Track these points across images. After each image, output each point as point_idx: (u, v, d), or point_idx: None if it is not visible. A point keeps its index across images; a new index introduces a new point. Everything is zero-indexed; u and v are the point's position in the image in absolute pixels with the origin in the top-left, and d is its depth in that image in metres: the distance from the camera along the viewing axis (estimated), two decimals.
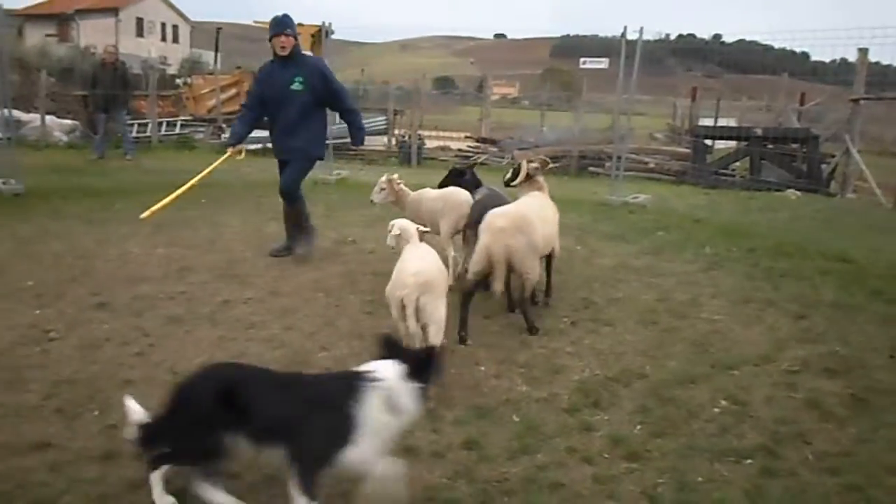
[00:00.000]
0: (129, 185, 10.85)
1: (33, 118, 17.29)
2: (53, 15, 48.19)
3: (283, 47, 6.66)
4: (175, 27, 56.24)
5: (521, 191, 6.07)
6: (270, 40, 6.72)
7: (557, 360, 4.79)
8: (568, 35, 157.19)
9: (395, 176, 6.85)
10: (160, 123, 18.82)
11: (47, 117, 17.33)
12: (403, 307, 4.19)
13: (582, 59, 12.62)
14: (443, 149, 18.38)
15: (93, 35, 43.06)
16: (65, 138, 17.26)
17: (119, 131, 15.55)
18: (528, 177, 6.05)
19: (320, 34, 16.46)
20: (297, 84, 6.71)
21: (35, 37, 44.98)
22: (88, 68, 18.88)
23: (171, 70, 38.40)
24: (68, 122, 18.20)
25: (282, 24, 6.70)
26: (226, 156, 6.89)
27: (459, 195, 6.43)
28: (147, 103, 19.09)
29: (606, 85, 19.49)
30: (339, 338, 5.09)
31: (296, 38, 6.80)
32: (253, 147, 16.92)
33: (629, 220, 9.84)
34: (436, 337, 4.18)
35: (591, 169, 16.02)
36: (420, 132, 17.70)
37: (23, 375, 4.30)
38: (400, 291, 4.22)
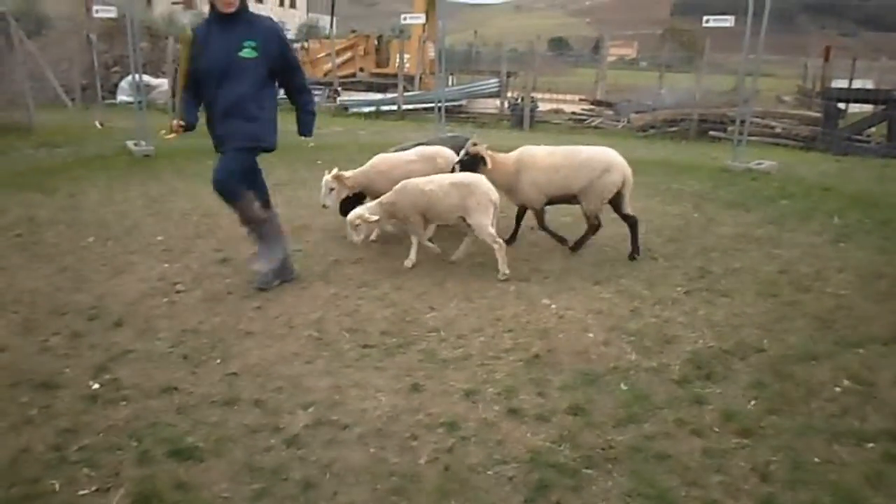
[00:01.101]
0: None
1: (161, 83, 18.22)
2: None
3: (227, 3, 4.85)
4: None
5: (486, 173, 6.03)
6: None
7: (669, 330, 4.67)
8: None
9: (342, 172, 6.28)
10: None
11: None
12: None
13: (705, 17, 11.98)
14: (556, 111, 18.06)
15: None
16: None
17: None
18: (492, 159, 6.14)
19: None
20: (247, 50, 4.91)
21: (162, 5, 47.18)
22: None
23: (289, 35, 39.44)
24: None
25: None
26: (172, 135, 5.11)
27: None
28: None
29: (731, 44, 18.49)
30: (447, 299, 5.16)
31: None
32: (367, 110, 17.28)
33: (751, 188, 9.39)
34: None
35: (713, 133, 15.33)
36: (533, 95, 17.46)
37: (153, 325, 4.62)
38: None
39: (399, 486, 3.03)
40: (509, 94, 18.36)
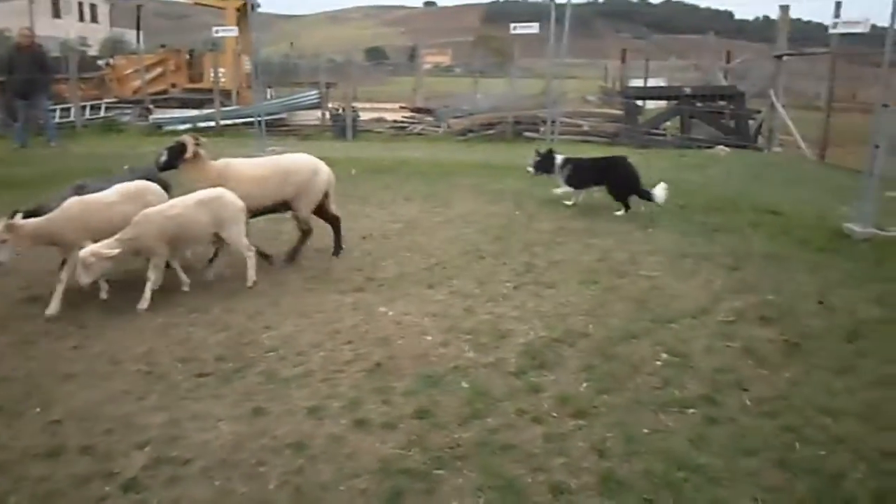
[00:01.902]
0: (56, 173, 10.43)
1: None
2: None
3: None
4: (93, 6, 53.95)
5: (186, 172, 6.02)
6: None
7: (503, 325, 4.85)
8: (498, 1, 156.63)
9: (16, 219, 5.04)
10: (83, 107, 18.13)
11: None
12: None
13: (512, 25, 12.59)
14: (378, 120, 18.19)
15: (5, 18, 40.97)
16: None
17: (40, 118, 14.91)
18: (196, 155, 6.00)
19: (246, 8, 16.07)
20: None
21: None
22: (3, 53, 17.99)
23: (92, 51, 36.94)
24: None
25: None
26: None
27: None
28: (68, 87, 18.33)
29: (538, 50, 19.55)
30: (283, 316, 5.05)
31: None
32: (183, 127, 16.55)
33: None
34: None
35: (527, 134, 16.09)
36: (354, 105, 17.49)
37: None
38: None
39: None
40: (330, 105, 18.28)
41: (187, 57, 21.89)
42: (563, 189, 8.35)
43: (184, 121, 16.96)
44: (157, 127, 16.84)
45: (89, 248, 4.91)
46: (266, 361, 4.32)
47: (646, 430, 3.53)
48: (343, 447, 3.40)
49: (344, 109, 17.05)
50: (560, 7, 11.02)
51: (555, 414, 3.70)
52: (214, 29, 15.07)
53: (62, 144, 14.24)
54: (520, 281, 5.78)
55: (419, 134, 16.86)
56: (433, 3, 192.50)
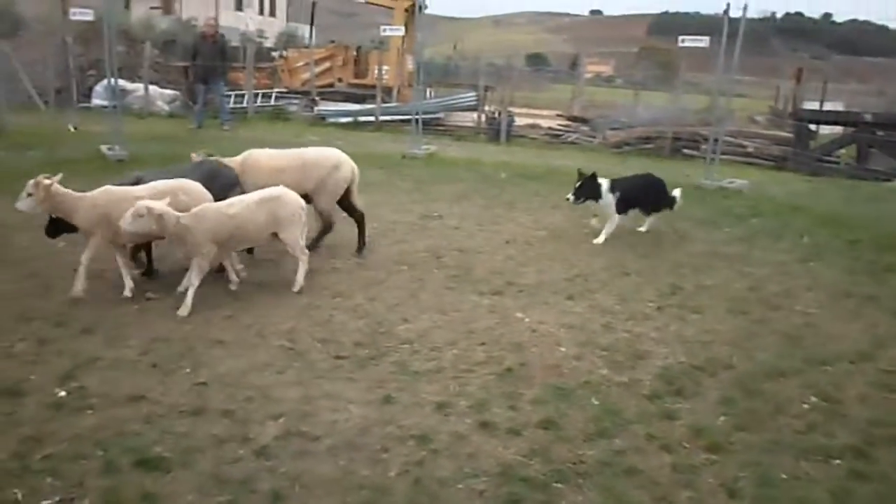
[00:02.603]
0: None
1: (137, 87, 18.01)
2: None
3: None
4: (272, 1, 57.42)
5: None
6: None
7: (641, 346, 4.71)
8: (667, 12, 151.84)
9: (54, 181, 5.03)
10: (256, 95, 19.30)
11: (150, 87, 18.03)
12: None
13: (680, 37, 12.16)
14: (533, 126, 18.15)
15: (194, 8, 44.38)
16: (166, 108, 17.94)
17: (217, 102, 16.04)
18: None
19: (414, 8, 16.51)
20: None
21: (140, 9, 46.77)
22: (190, 40, 19.51)
23: (268, 43, 39.29)
24: (170, 92, 18.90)
25: None
26: None
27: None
28: (244, 75, 19.60)
29: (705, 64, 18.81)
30: (421, 310, 5.15)
31: None
32: (344, 120, 17.26)
33: (723, 206, 9.52)
34: None
35: (686, 151, 15.52)
36: (510, 109, 17.55)
37: (122, 332, 4.55)
38: None
39: (369, 498, 3.01)
40: (486, 108, 18.44)
41: (354, 53, 22.79)
42: (612, 222, 7.27)
43: (345, 114, 17.68)
44: (321, 118, 17.64)
45: (147, 201, 4.77)
46: (400, 353, 4.42)
47: (783, 476, 3.30)
48: (465, 446, 3.42)
49: (500, 113, 17.15)
50: (734, 21, 10.53)
51: (686, 444, 3.54)
52: (382, 27, 15.60)
53: (233, 128, 15.23)
54: (664, 302, 5.58)
55: (573, 143, 16.67)
56: (599, 12, 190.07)
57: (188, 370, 4.08)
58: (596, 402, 3.91)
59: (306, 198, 6.02)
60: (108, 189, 5.18)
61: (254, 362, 4.20)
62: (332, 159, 6.37)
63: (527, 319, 5.06)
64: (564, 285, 5.86)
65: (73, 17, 13.60)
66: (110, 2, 10.82)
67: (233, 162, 6.19)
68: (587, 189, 7.11)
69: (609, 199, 7.18)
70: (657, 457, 3.42)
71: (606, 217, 7.29)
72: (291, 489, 3.04)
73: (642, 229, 7.72)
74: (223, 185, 5.73)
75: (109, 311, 4.87)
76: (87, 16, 12.91)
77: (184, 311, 4.88)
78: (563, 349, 4.60)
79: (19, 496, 2.91)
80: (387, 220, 7.61)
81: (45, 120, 14.76)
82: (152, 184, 5.29)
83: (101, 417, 3.53)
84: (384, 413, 3.68)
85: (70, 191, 5.10)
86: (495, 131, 16.67)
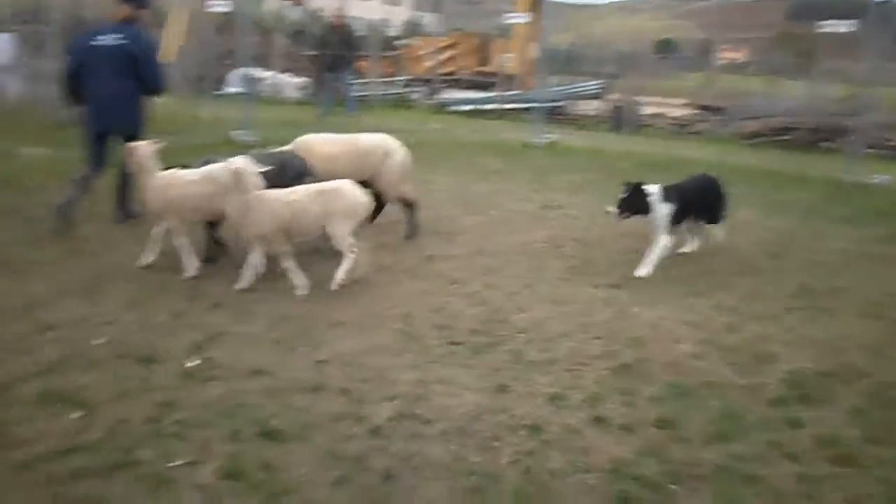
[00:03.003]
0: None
1: (269, 76, 18.80)
2: None
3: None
4: None
5: None
6: (144, 10, 6.41)
7: (766, 348, 4.47)
8: None
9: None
10: (380, 83, 19.72)
11: (280, 75, 18.77)
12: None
13: (820, 22, 11.42)
14: (659, 115, 17.58)
15: None
16: (295, 95, 18.63)
17: (343, 90, 16.50)
18: None
19: None
20: None
21: (272, 1, 48.71)
22: (318, 30, 20.14)
23: (392, 32, 40.01)
24: (299, 80, 19.62)
25: None
26: None
27: None
28: (369, 63, 20.06)
29: (849, 51, 17.58)
30: (537, 300, 5.11)
31: None
32: (466, 108, 17.35)
33: (864, 203, 8.88)
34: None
35: (825, 143, 14.59)
36: (636, 98, 17.08)
37: (249, 308, 4.78)
38: None
39: (478, 484, 3.03)
40: (611, 97, 18.03)
41: (478, 41, 22.82)
42: (662, 243, 5.76)
43: (468, 102, 17.77)
44: (443, 106, 17.81)
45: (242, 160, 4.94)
46: (515, 342, 4.41)
47: None
48: (578, 440, 3.37)
49: (625, 102, 16.73)
50: (882, 4, 9.77)
51: (812, 454, 3.34)
52: (505, 15, 15.53)
53: (357, 116, 15.62)
54: (793, 303, 5.28)
55: (702, 133, 16.04)
56: None
57: (309, 348, 4.23)
58: (716, 404, 3.75)
59: (365, 184, 5.81)
60: (169, 172, 5.35)
61: (371, 344, 4.30)
62: (383, 147, 6.30)
63: (645, 314, 4.92)
64: (686, 281, 5.66)
65: (210, 9, 14.35)
66: None
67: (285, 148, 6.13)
68: (634, 201, 5.72)
69: (663, 210, 5.73)
70: (780, 465, 3.25)
71: (654, 235, 5.84)
72: (403, 469, 3.10)
73: (688, 249, 6.34)
74: (295, 174, 5.60)
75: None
76: (224, 7, 13.58)
77: (302, 290, 5.06)
78: (682, 347, 4.44)
79: (151, 456, 3.12)
80: (506, 209, 7.60)
81: (180, 106, 15.66)
82: (209, 167, 5.17)
83: (226, 388, 3.72)
84: (497, 401, 3.69)
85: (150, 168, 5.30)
86: (619, 120, 16.28)
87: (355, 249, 5.15)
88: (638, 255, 6.18)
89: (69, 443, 3.19)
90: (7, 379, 3.73)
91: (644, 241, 6.53)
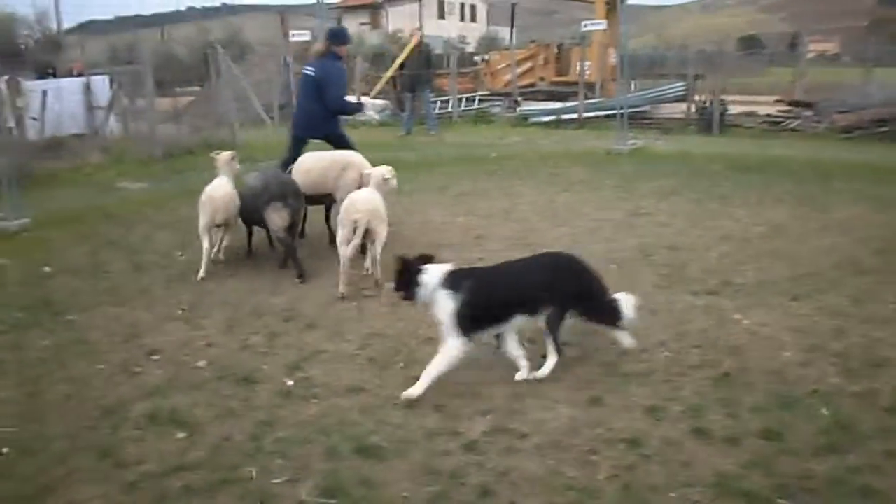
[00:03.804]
0: (431, 157, 11.63)
1: (350, 99, 19.20)
2: (366, 5, 53.07)
3: (345, 53, 7.81)
4: (473, 7, 58.90)
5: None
6: (339, 46, 7.57)
7: (879, 352, 4.23)
8: None
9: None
10: (460, 99, 19.85)
11: (362, 98, 19.15)
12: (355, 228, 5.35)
13: None
14: (748, 114, 17.00)
15: (400, 20, 46.68)
16: (377, 117, 18.97)
17: (424, 108, 16.70)
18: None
19: (615, 1, 16.13)
20: None
21: (351, 26, 49.95)
22: (397, 52, 20.49)
23: (470, 48, 40.31)
24: (380, 101, 19.98)
25: (347, 36, 8.02)
26: None
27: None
28: (448, 81, 20.23)
29: None
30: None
31: None
32: (546, 119, 17.25)
33: None
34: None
35: None
36: (723, 97, 16.58)
37: (342, 327, 4.88)
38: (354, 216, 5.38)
39: (576, 500, 2.96)
40: (696, 98, 17.56)
41: (555, 51, 22.70)
42: (455, 341, 3.87)
43: (548, 113, 17.66)
44: (524, 118, 17.76)
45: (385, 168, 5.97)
46: (609, 353, 4.32)
47: None
48: (679, 453, 3.26)
49: (711, 102, 16.26)
50: None
51: None
52: (583, 23, 15.39)
53: (439, 133, 15.77)
54: None
55: (795, 130, 15.41)
56: None
57: (402, 365, 4.27)
58: (826, 413, 3.56)
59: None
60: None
61: (462, 360, 4.29)
62: (341, 162, 6.73)
63: (746, 321, 4.73)
64: (788, 285, 5.42)
65: (292, 39, 14.84)
66: (324, 22, 11.62)
67: None
68: (405, 280, 4.04)
69: (443, 303, 3.93)
70: None
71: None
72: (499, 485, 3.07)
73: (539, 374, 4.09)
74: (268, 197, 5.99)
75: (331, 308, 5.23)
76: (305, 36, 14.04)
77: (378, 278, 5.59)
78: (787, 354, 4.25)
79: (253, 474, 3.20)
80: (593, 218, 7.48)
81: (270, 134, 16.20)
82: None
83: (323, 406, 3.79)
84: (592, 414, 3.62)
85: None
86: (706, 122, 15.82)
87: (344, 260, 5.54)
88: (734, 261, 5.98)
89: (176, 462, 3.32)
90: (117, 401, 3.92)
91: (743, 247, 6.31)
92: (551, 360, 4.05)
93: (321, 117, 7.63)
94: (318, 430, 3.55)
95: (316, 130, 7.82)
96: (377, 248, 5.63)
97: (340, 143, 7.65)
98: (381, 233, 5.58)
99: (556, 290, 4.09)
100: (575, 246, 6.46)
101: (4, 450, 3.48)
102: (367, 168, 6.32)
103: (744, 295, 5.24)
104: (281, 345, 4.62)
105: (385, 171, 5.95)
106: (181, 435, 3.56)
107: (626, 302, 4.19)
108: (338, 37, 7.75)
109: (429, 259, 4.11)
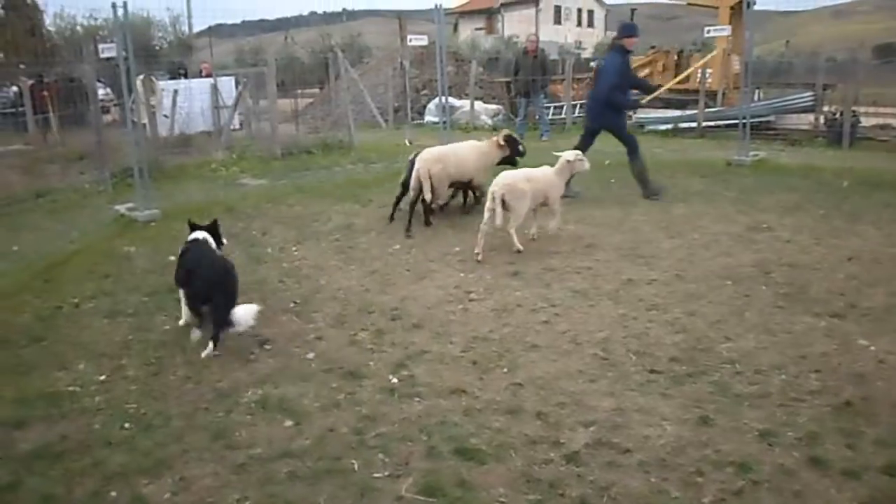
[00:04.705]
0: (544, 163, 11.49)
1: (464, 104, 19.33)
2: (482, 10, 53.40)
3: (633, 45, 8.81)
4: (590, 12, 58.17)
5: None
6: (622, 39, 8.67)
7: None
8: None
9: None
10: (574, 105, 19.62)
11: (475, 103, 19.24)
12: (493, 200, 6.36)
13: None
14: (882, 127, 15.95)
15: (515, 26, 46.72)
16: (489, 121, 19.00)
17: (537, 114, 16.60)
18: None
19: (741, 6, 15.51)
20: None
21: (466, 31, 50.42)
22: (511, 57, 20.47)
23: (586, 54, 39.79)
24: (493, 106, 20.02)
25: (634, 29, 8.94)
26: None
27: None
28: (563, 87, 20.03)
29: None
30: (745, 329, 4.78)
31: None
32: (664, 127, 16.80)
33: None
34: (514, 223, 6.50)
35: None
36: (854, 108, 15.62)
37: (447, 329, 4.92)
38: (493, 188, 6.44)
39: None
40: (825, 109, 16.63)
41: (675, 57, 22.07)
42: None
43: (665, 121, 17.18)
44: (640, 126, 17.36)
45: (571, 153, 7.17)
46: (720, 372, 4.15)
47: None
48: (792, 482, 3.10)
49: (841, 113, 15.37)
50: None
51: None
52: (706, 29, 14.86)
53: (551, 139, 15.63)
54: None
55: None
56: None
57: (505, 370, 4.26)
58: None
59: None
60: None
61: (567, 368, 4.25)
62: None
63: (872, 347, 4.43)
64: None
65: (409, 43, 15.07)
66: (441, 26, 11.74)
67: None
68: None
69: None
70: None
71: None
72: (599, 499, 3.01)
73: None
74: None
75: (437, 309, 5.28)
76: (422, 40, 14.23)
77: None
78: None
79: (355, 466, 3.28)
80: (709, 232, 7.21)
81: (385, 136, 16.54)
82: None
83: (426, 405, 3.84)
84: (700, 434, 3.49)
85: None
86: (836, 134, 14.95)
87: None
88: (862, 283, 5.63)
89: (283, 448, 3.45)
90: (231, 386, 4.11)
91: (872, 268, 5.95)
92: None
93: (598, 107, 8.71)
94: (419, 428, 3.59)
95: (595, 120, 8.85)
96: (510, 223, 6.48)
97: (619, 136, 8.70)
98: (517, 208, 6.46)
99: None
100: (688, 258, 6.28)
101: (126, 425, 3.71)
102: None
103: (871, 319, 4.91)
104: (387, 342, 4.70)
105: (570, 154, 7.10)
106: (289, 423, 3.69)
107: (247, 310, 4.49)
108: (623, 30, 8.68)
109: None
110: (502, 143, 7.95)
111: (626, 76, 8.76)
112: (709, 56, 19.22)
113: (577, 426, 3.58)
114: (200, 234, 5.00)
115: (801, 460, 3.26)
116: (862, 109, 16.30)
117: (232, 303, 4.50)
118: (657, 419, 3.63)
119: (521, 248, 6.56)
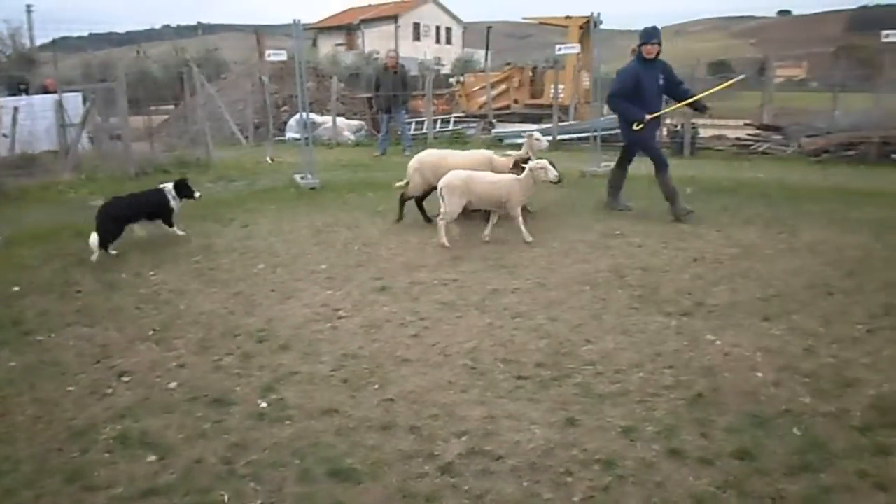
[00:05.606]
0: (404, 178, 11.59)
1: (326, 120, 19.24)
2: (342, 26, 53.41)
3: (649, 53, 8.48)
4: (448, 29, 59.48)
5: None
6: (641, 46, 8.54)
7: (849, 372, 4.28)
8: (866, 6, 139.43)
9: None
10: (435, 121, 19.94)
11: (338, 119, 19.17)
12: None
13: (884, 32, 11.12)
14: (719, 138, 17.26)
15: (376, 41, 46.98)
16: (352, 137, 18.99)
17: (399, 129, 16.74)
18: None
19: (589, 25, 16.34)
20: (661, 80, 8.56)
21: (327, 46, 50.22)
22: (372, 73, 20.58)
23: (445, 70, 40.60)
24: (355, 122, 20.02)
25: (652, 35, 8.58)
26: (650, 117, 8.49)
27: None
28: (423, 102, 20.33)
29: None
30: (604, 331, 5.02)
31: (660, 45, 8.58)
32: (521, 141, 17.36)
33: None
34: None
35: None
36: (693, 121, 16.83)
37: (316, 348, 4.83)
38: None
39: None
40: (668, 121, 17.80)
41: (530, 74, 22.93)
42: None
43: (522, 135, 17.78)
44: (499, 140, 17.87)
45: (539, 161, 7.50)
46: (583, 374, 4.33)
47: None
48: (654, 474, 3.27)
49: (682, 125, 16.50)
50: None
51: None
52: (557, 47, 15.57)
53: (414, 154, 15.79)
54: (876, 324, 5.05)
55: (764, 153, 15.66)
56: (788, 12, 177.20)
57: (376, 386, 4.23)
58: (798, 433, 3.60)
59: None
60: None
61: (438, 381, 4.28)
62: None
63: (718, 342, 4.77)
64: (760, 306, 5.48)
65: (268, 59, 14.83)
66: (300, 42, 11.63)
67: None
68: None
69: None
70: (870, 496, 3.08)
71: None
72: None
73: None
74: None
75: (304, 329, 5.19)
76: (281, 56, 14.02)
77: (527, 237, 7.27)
78: (759, 375, 4.28)
79: (226, 498, 3.15)
80: (568, 240, 7.52)
81: (245, 153, 16.14)
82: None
83: (297, 428, 3.75)
84: (567, 435, 3.61)
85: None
86: (678, 144, 16.04)
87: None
88: (706, 282, 6.05)
89: (147, 485, 3.26)
90: (86, 423, 3.85)
91: (715, 268, 6.40)
92: None
93: (619, 120, 8.92)
94: (291, 452, 3.50)
95: (622, 133, 8.98)
96: (441, 216, 7.28)
97: (644, 150, 8.77)
98: (448, 204, 7.19)
99: None
100: (549, 266, 6.51)
101: None
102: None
103: (716, 316, 5.29)
104: (254, 366, 4.56)
105: (534, 163, 7.48)
106: (152, 458, 3.49)
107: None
108: (640, 36, 8.57)
109: None
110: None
111: (639, 86, 8.44)
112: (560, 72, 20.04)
113: (451, 437, 3.62)
114: None
115: (660, 452, 3.45)
116: (700, 122, 17.54)
117: None
118: (526, 424, 3.73)
119: (447, 243, 7.18)
